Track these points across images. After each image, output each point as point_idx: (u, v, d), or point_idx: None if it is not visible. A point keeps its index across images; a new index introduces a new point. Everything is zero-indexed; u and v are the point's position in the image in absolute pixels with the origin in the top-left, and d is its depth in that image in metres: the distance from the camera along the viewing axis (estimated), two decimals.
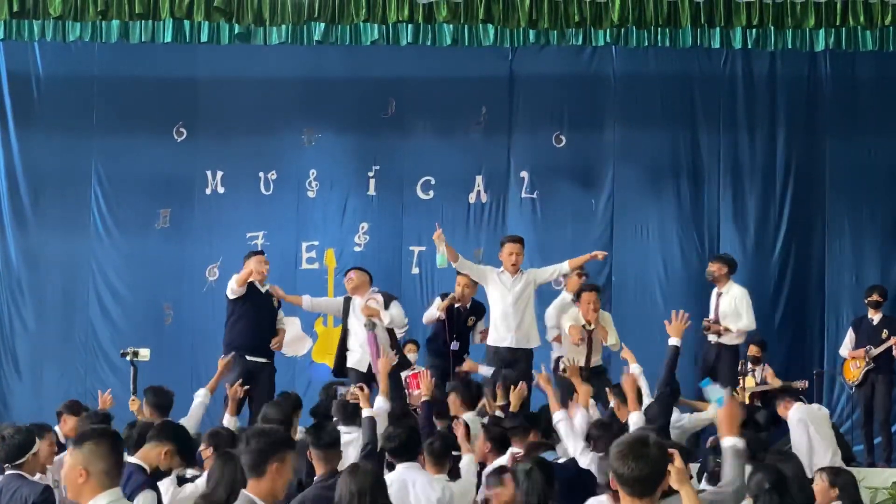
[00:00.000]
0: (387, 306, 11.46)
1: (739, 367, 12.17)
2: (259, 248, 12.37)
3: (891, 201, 14.32)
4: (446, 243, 11.22)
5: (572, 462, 7.90)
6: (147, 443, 7.01)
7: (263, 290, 11.56)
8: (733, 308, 12.00)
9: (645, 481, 4.37)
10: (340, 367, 11.50)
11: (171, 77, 14.58)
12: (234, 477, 6.17)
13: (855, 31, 13.44)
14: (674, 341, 9.35)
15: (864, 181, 14.30)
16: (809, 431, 10.13)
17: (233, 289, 11.40)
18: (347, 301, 11.66)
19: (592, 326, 11.55)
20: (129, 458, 6.94)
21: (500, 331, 11.34)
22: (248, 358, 11.27)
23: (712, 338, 12.04)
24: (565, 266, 11.60)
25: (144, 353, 11.02)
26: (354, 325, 11.43)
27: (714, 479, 7.33)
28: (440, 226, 11.51)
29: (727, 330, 11.99)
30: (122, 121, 14.45)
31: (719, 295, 12.14)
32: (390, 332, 11.44)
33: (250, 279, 11.43)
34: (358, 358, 11.32)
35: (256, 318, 11.42)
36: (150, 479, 6.76)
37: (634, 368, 9.63)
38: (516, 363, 11.20)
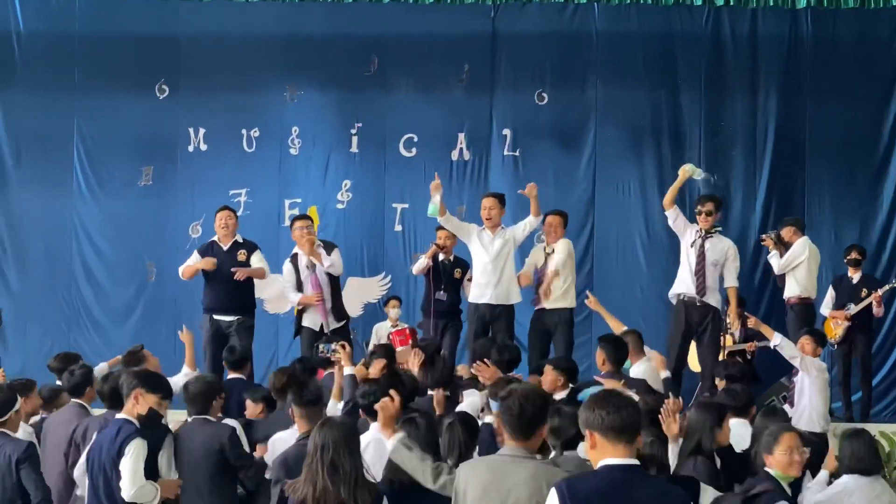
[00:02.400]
0: (329, 252, 11.55)
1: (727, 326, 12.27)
2: (225, 205, 12.22)
3: (870, 160, 14.32)
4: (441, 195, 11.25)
5: None
6: (132, 395, 7.05)
7: (226, 247, 11.60)
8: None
9: (631, 428, 4.47)
10: (299, 329, 11.59)
11: (153, 34, 14.52)
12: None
13: None
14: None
15: (844, 140, 14.27)
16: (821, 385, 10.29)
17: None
18: (295, 258, 11.62)
19: (552, 249, 11.45)
20: (118, 415, 7.04)
21: (480, 286, 11.33)
22: (215, 317, 11.35)
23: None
24: (530, 217, 11.42)
25: None
26: (305, 284, 11.50)
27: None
28: (438, 176, 11.50)
29: (778, 246, 12.28)
30: (104, 79, 14.42)
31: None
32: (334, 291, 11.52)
33: (215, 237, 11.58)
34: (312, 317, 11.41)
35: (220, 276, 11.43)
36: (140, 429, 6.86)
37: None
38: (496, 320, 11.25)
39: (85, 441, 7.60)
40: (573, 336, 11.52)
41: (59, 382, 9.05)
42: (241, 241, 11.72)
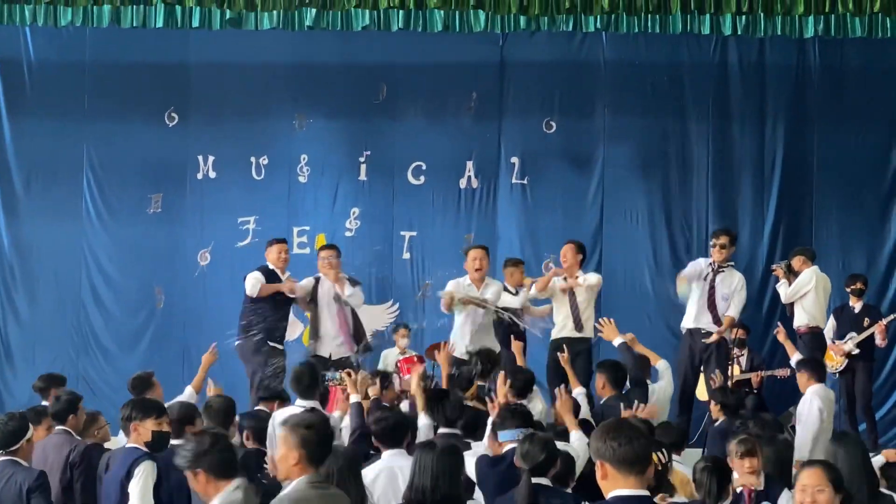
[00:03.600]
0: (353, 286, 11.49)
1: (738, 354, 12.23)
2: (281, 237, 12.08)
3: (878, 189, 14.37)
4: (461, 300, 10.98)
5: None
6: (130, 428, 7.06)
7: (284, 277, 11.54)
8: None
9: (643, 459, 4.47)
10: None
11: (163, 62, 14.58)
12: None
13: (844, 18, 13.51)
14: (618, 341, 9.43)
15: (851, 169, 14.32)
16: (822, 417, 10.19)
17: (251, 292, 11.27)
18: (317, 282, 11.48)
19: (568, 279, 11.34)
20: (128, 444, 7.05)
21: (461, 345, 10.79)
22: (270, 344, 11.22)
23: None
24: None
25: None
26: (324, 310, 11.36)
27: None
28: None
29: (788, 276, 12.26)
30: (114, 106, 14.47)
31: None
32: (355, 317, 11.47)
33: (272, 266, 11.46)
34: (326, 345, 11.26)
35: (276, 303, 11.35)
36: (147, 452, 6.86)
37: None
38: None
39: (82, 464, 7.68)
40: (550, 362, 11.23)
41: (44, 403, 9.10)
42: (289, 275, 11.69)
